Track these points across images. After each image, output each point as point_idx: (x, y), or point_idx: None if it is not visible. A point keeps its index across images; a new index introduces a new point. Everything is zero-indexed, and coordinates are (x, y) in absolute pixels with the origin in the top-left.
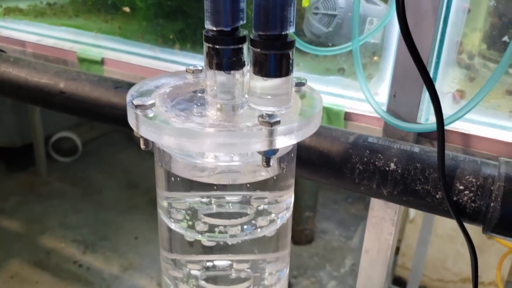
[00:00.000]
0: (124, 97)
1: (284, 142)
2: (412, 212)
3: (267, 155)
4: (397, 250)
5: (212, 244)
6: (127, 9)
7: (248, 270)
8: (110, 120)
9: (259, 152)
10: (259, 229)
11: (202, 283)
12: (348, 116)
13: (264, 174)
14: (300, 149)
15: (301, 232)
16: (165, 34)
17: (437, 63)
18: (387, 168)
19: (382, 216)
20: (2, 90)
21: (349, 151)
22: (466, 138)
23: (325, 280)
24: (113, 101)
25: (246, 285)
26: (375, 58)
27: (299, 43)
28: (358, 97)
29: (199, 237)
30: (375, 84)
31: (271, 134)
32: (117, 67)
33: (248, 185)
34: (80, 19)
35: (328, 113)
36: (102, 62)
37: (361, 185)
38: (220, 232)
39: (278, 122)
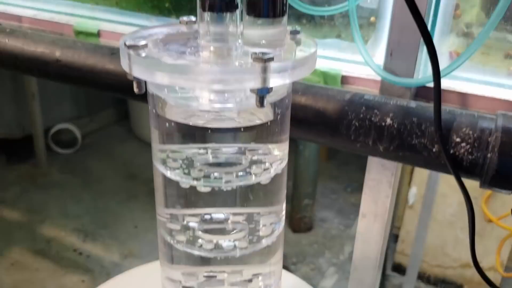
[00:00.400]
0: (120, 63)
1: (278, 80)
2: (412, 198)
3: (261, 94)
4: (396, 237)
5: (208, 190)
6: None
7: (243, 222)
8: (106, 87)
9: (253, 91)
10: (253, 176)
11: (199, 233)
12: (345, 80)
13: (258, 120)
14: (297, 108)
15: (300, 220)
16: (162, 4)
17: (433, 26)
18: (383, 124)
19: (378, 179)
20: None
21: (345, 108)
22: (463, 97)
23: (324, 267)
24: (109, 68)
25: (241, 235)
26: (372, 18)
27: (294, 2)
28: (354, 60)
29: (194, 183)
30: (371, 46)
31: (264, 70)
32: (114, 39)
33: (243, 136)
34: None
35: (325, 77)
36: (98, 34)
37: (357, 142)
38: (215, 178)
39: (271, 59)
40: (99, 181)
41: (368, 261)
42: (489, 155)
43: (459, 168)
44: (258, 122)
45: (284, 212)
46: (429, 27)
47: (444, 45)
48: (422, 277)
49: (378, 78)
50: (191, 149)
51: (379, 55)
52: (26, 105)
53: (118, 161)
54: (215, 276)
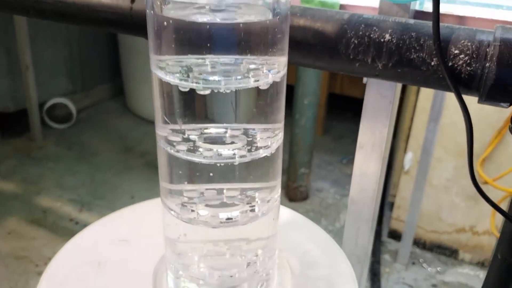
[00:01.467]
0: None
1: None
2: (407, 163)
3: None
4: (392, 204)
5: (207, 92)
6: None
7: (243, 136)
8: (102, 21)
9: None
10: (252, 80)
11: (199, 143)
12: (343, 8)
13: (255, 18)
14: (295, 29)
15: (296, 189)
16: None
17: None
18: (382, 40)
19: (376, 107)
20: None
21: (344, 27)
22: (461, 20)
23: None
24: (104, 2)
25: (240, 145)
26: None
27: None
28: None
29: (194, 85)
30: None
31: None
32: None
33: (241, 46)
34: None
35: (323, 6)
36: None
37: (356, 61)
38: (214, 81)
39: None
40: (95, 154)
41: (365, 194)
42: (487, 64)
43: (458, 81)
44: (258, 18)
45: (281, 131)
46: None
47: None
48: (417, 242)
49: (376, 5)
50: (190, 60)
51: None
52: (20, 79)
53: (114, 135)
54: (215, 191)
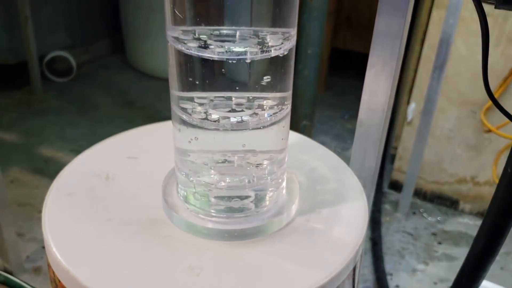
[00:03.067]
0: None
1: None
2: (410, 114)
3: None
4: (393, 156)
5: None
6: None
7: (254, 37)
8: None
9: None
10: None
11: (210, 41)
12: None
13: None
14: None
15: None
16: None
17: None
18: None
19: (389, 23)
20: None
21: None
22: None
23: None
24: None
25: (252, 43)
26: None
27: None
28: None
29: None
30: None
31: None
32: None
33: None
34: None
35: None
36: None
37: None
38: None
39: None
40: (96, 108)
41: (374, 114)
42: None
43: None
44: None
45: (295, 36)
46: None
47: None
48: (418, 193)
49: None
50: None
51: None
52: (19, 31)
53: (114, 89)
54: (224, 98)
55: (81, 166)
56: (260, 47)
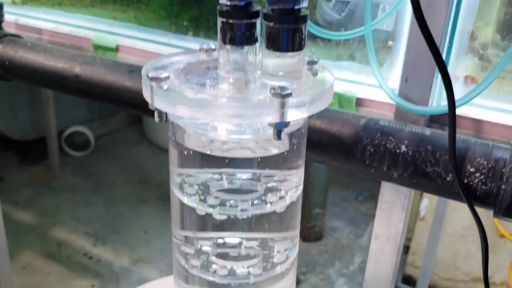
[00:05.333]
0: (138, 81)
1: (296, 115)
2: (423, 210)
3: (279, 128)
4: (407, 248)
5: (223, 218)
6: None
7: (257, 248)
8: (124, 103)
9: (270, 125)
10: (268, 205)
11: (213, 258)
12: (359, 102)
13: (275, 150)
14: (312, 131)
15: (310, 229)
16: (180, 21)
17: (449, 48)
18: (398, 150)
19: (392, 202)
20: (20, 74)
21: (360, 133)
22: (478, 124)
23: (334, 277)
24: (127, 85)
25: (255, 261)
26: (389, 42)
27: (312, 27)
28: (369, 83)
29: (210, 210)
30: (386, 70)
31: (282, 106)
32: (132, 54)
33: (258, 162)
34: (97, 8)
35: (340, 99)
36: (117, 49)
37: (372, 167)
38: (231, 206)
39: (289, 94)
40: (111, 185)
41: (379, 282)
42: (503, 186)
43: (473, 197)
44: (274, 151)
45: (298, 237)
46: (445, 50)
47: (460, 68)
48: None
49: (393, 102)
50: (207, 174)
51: (395, 78)
52: (41, 108)
53: (130, 165)
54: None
55: None
56: (265, 264)
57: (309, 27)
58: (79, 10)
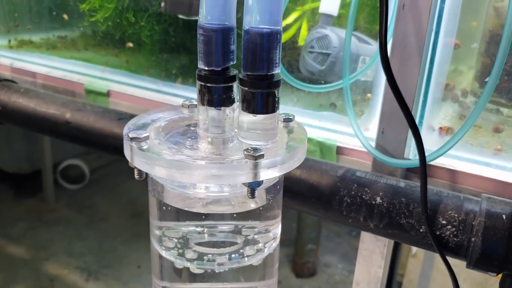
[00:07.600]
0: None
1: (268, 174)
2: (414, 247)
3: (252, 187)
4: (400, 284)
5: (201, 271)
6: (130, 44)
7: None
8: (113, 150)
9: (244, 184)
10: (246, 258)
11: None
12: (340, 150)
13: (252, 205)
14: (291, 181)
15: (303, 265)
16: (169, 69)
17: (424, 101)
18: (374, 202)
19: (371, 249)
20: (12, 119)
21: (337, 184)
22: (452, 174)
23: None
24: (115, 132)
25: None
26: (368, 95)
27: (293, 81)
28: (349, 132)
29: (188, 264)
30: (365, 120)
31: (255, 167)
32: (122, 99)
33: (239, 215)
34: (89, 52)
35: (321, 147)
36: (108, 94)
37: (349, 218)
38: (208, 260)
39: (262, 156)
40: (105, 219)
41: None
42: (473, 239)
43: (445, 249)
44: (252, 206)
45: (276, 285)
46: (420, 103)
47: (437, 118)
48: None
49: (371, 149)
50: (188, 227)
51: (374, 128)
52: (35, 141)
53: (124, 197)
54: None
55: None
56: None
57: (290, 81)
58: (72, 54)
